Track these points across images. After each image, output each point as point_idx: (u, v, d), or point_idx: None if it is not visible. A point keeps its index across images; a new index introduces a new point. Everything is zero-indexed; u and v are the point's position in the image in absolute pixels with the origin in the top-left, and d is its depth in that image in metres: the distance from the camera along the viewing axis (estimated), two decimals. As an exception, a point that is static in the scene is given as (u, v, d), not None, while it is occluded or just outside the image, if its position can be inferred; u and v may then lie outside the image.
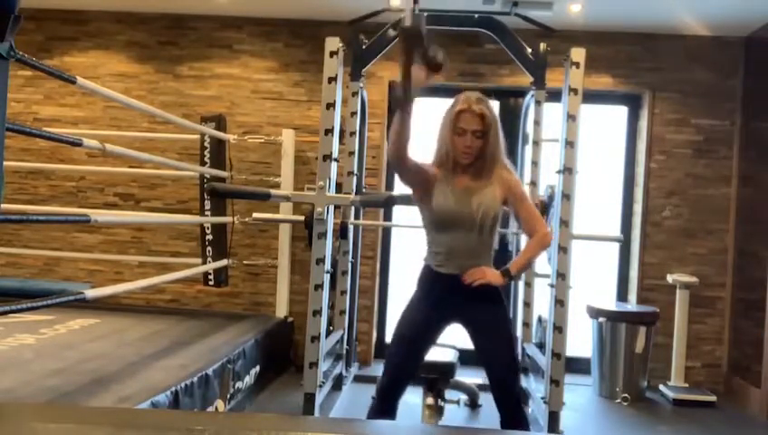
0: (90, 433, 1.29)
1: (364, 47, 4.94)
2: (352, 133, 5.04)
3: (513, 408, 2.97)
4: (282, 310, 5.75)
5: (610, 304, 5.69)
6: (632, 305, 5.74)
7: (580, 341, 5.47)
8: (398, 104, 2.76)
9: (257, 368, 4.75)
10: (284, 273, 5.77)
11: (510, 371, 3.01)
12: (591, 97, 5.17)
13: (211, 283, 5.64)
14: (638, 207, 5.88)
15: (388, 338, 5.87)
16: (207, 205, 5.64)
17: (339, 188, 4.74)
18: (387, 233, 6.06)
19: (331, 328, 4.97)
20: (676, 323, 5.47)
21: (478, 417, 4.63)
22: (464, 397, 4.65)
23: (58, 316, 4.73)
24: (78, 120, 5.97)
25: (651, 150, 5.81)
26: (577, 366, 5.55)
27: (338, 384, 4.99)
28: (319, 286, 4.15)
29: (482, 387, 4.62)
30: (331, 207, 4.30)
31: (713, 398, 5.27)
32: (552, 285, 4.21)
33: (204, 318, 5.37)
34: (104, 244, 5.98)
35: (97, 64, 5.98)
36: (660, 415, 5.10)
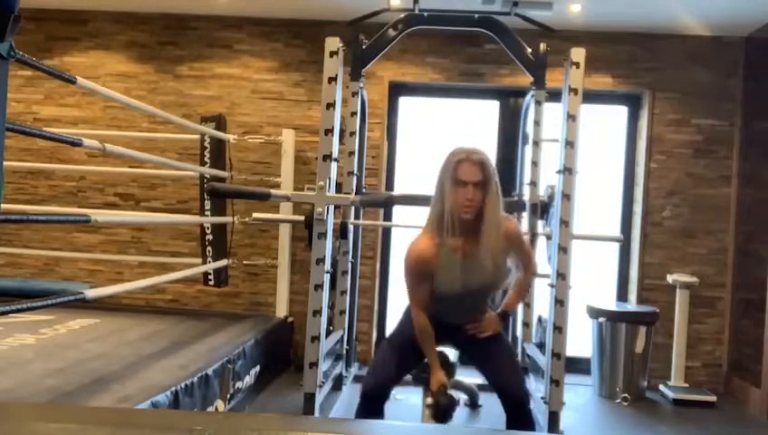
0: (90, 433, 1.28)
1: (364, 47, 4.94)
2: (352, 133, 5.04)
3: (519, 409, 2.99)
4: (282, 310, 5.75)
5: (610, 304, 5.69)
6: (632, 305, 5.74)
7: (580, 341, 5.47)
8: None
9: (257, 368, 4.75)
10: (284, 273, 5.77)
11: (513, 371, 3.04)
12: (591, 97, 5.17)
13: (211, 283, 5.64)
14: (638, 207, 5.88)
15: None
16: (207, 205, 5.64)
17: (339, 188, 4.74)
18: (387, 233, 6.06)
19: (331, 328, 4.97)
20: (676, 323, 5.47)
21: (478, 417, 4.63)
22: (464, 397, 4.65)
23: (58, 316, 4.73)
24: (78, 120, 5.97)
25: (651, 150, 5.81)
26: (577, 366, 5.55)
27: (338, 384, 4.98)
28: (319, 286, 4.15)
29: (482, 387, 4.62)
30: (331, 207, 4.30)
31: (713, 398, 5.27)
32: (552, 285, 4.21)
33: (204, 318, 5.37)
34: (104, 244, 5.98)
35: (97, 64, 5.98)
36: (660, 415, 5.10)
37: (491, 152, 4.61)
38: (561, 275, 4.12)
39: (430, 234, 2.91)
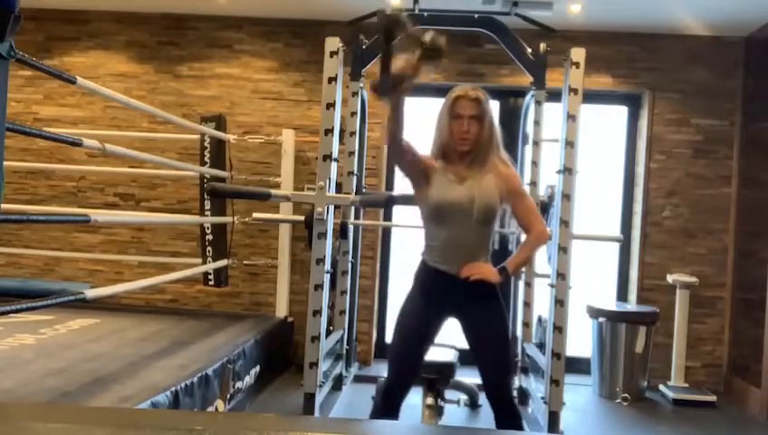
0: (90, 433, 1.28)
1: (364, 47, 4.94)
2: (352, 133, 5.04)
3: (505, 406, 2.98)
4: (282, 310, 5.75)
5: (610, 304, 5.69)
6: (632, 305, 5.74)
7: (580, 341, 5.47)
8: (376, 95, 2.80)
9: (257, 368, 4.75)
10: (284, 273, 5.77)
11: (502, 369, 3.02)
12: (591, 97, 5.18)
13: (211, 283, 5.64)
14: (638, 207, 5.88)
15: (389, 338, 5.88)
16: (207, 205, 5.64)
17: (339, 188, 4.74)
18: (387, 233, 6.06)
19: (331, 328, 4.97)
20: (676, 323, 5.47)
21: (478, 417, 4.63)
22: (464, 397, 4.64)
23: (58, 316, 4.73)
24: (78, 120, 5.98)
25: (651, 150, 5.81)
26: (577, 366, 5.55)
27: (338, 384, 4.99)
28: (319, 286, 4.15)
29: (482, 387, 4.62)
30: (331, 207, 4.30)
31: (713, 398, 5.27)
32: (552, 285, 4.21)
33: (204, 318, 5.37)
34: (104, 244, 5.98)
35: (97, 64, 5.98)
36: (660, 415, 5.09)
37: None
38: (561, 275, 4.12)
39: (431, 157, 3.02)
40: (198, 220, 5.68)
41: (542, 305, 4.85)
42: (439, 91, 6.05)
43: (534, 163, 5.06)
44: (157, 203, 5.97)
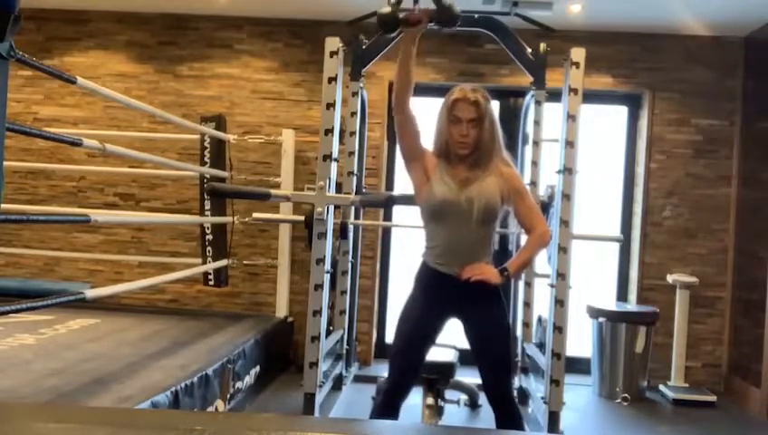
0: (90, 433, 1.28)
1: (364, 47, 4.94)
2: (352, 133, 5.04)
3: (506, 406, 2.97)
4: (282, 310, 5.75)
5: (610, 304, 5.69)
6: (632, 305, 5.74)
7: (580, 341, 5.47)
8: (381, 27, 2.85)
9: (257, 368, 4.75)
10: (284, 273, 5.77)
11: (502, 369, 3.00)
12: (591, 97, 5.18)
13: (211, 283, 5.64)
14: (638, 207, 5.88)
15: (389, 338, 5.89)
16: (207, 205, 5.64)
17: (339, 188, 4.74)
18: (387, 233, 6.06)
19: (331, 328, 4.97)
20: (676, 323, 5.47)
21: (478, 417, 4.63)
22: (464, 397, 4.64)
23: (58, 316, 4.73)
24: (78, 120, 5.98)
25: (651, 150, 5.81)
26: (577, 366, 5.55)
27: (338, 384, 4.99)
28: (319, 286, 4.15)
29: (482, 387, 4.62)
30: (331, 207, 4.30)
31: (713, 398, 5.27)
32: (552, 285, 4.21)
33: (204, 318, 5.37)
34: (104, 244, 5.98)
35: (97, 64, 5.98)
36: (660, 415, 5.10)
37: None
38: (561, 275, 4.12)
39: (435, 154, 3.01)
40: (198, 220, 5.68)
41: (542, 305, 4.85)
42: (439, 91, 6.05)
43: (534, 163, 5.06)
44: (157, 203, 5.97)
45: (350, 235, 5.15)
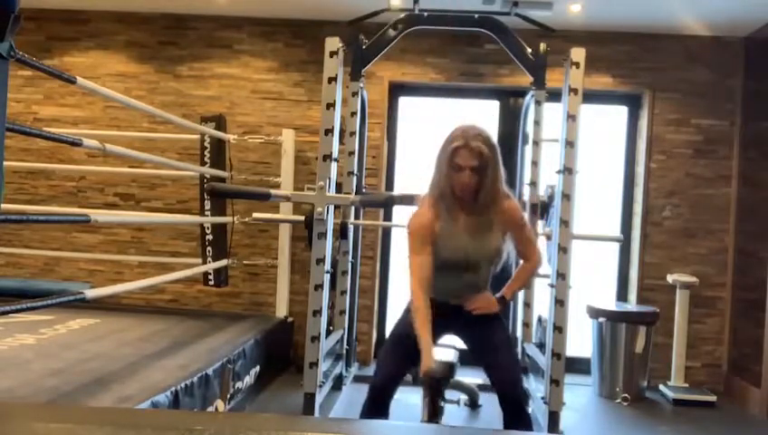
0: (90, 433, 1.28)
1: (364, 47, 4.94)
2: (352, 133, 5.04)
3: (516, 408, 2.98)
4: (282, 310, 5.75)
5: (610, 304, 5.68)
6: (632, 305, 5.74)
7: (580, 341, 5.47)
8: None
9: (257, 368, 4.75)
10: (284, 273, 5.77)
11: (512, 370, 3.03)
12: (591, 97, 5.18)
13: (211, 283, 5.64)
14: (638, 207, 5.88)
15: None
16: (207, 205, 5.64)
17: (339, 188, 4.74)
18: (387, 233, 6.06)
19: (331, 328, 4.97)
20: (676, 323, 5.47)
21: (478, 417, 4.63)
22: (464, 397, 4.64)
23: (58, 316, 4.73)
24: (78, 120, 5.97)
25: (651, 150, 5.81)
26: (577, 366, 5.55)
27: (338, 384, 4.99)
28: (319, 286, 4.15)
29: (482, 387, 4.62)
30: (331, 207, 4.30)
31: (713, 398, 5.27)
32: (552, 285, 4.21)
33: (204, 318, 5.37)
34: (104, 244, 5.98)
35: (97, 64, 5.98)
36: (660, 415, 5.10)
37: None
38: (561, 275, 4.12)
39: (432, 201, 2.97)
40: (198, 220, 5.68)
41: (542, 305, 4.86)
42: (439, 91, 6.10)
43: (534, 163, 5.06)
44: (157, 203, 5.97)
45: (350, 235, 5.15)
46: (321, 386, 4.22)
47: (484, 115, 5.98)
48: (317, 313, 4.14)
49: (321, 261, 4.16)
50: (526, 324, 5.17)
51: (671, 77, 5.77)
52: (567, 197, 4.13)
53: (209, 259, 5.61)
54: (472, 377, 4.61)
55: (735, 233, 5.71)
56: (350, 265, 5.17)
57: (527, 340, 5.12)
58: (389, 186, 6.01)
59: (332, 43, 4.26)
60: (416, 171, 5.93)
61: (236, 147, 5.80)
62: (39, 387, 3.17)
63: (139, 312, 5.54)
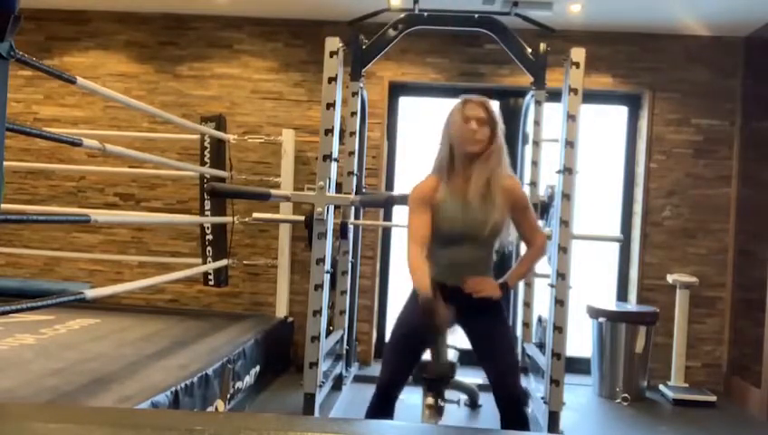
0: (90, 433, 1.28)
1: (364, 47, 4.94)
2: (352, 133, 5.04)
3: (513, 408, 2.97)
4: (282, 310, 5.75)
5: (610, 304, 5.69)
6: (632, 305, 5.74)
7: (580, 341, 5.47)
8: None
9: (257, 368, 4.75)
10: (284, 273, 5.77)
11: (510, 370, 3.01)
12: (591, 97, 5.17)
13: (211, 283, 5.64)
14: (638, 207, 5.88)
15: (389, 338, 5.88)
16: (207, 205, 5.64)
17: (339, 188, 4.74)
18: (387, 233, 6.06)
19: (331, 328, 4.97)
20: (677, 323, 5.47)
21: (478, 417, 4.63)
22: (464, 397, 4.65)
23: (58, 316, 4.73)
24: (78, 120, 5.97)
25: (651, 150, 5.81)
26: (577, 366, 5.55)
27: (338, 384, 4.99)
28: (319, 286, 4.15)
29: (482, 387, 4.62)
30: (331, 207, 4.30)
31: (713, 398, 5.27)
32: (552, 285, 4.21)
33: (204, 318, 5.37)
34: (104, 244, 5.98)
35: (97, 64, 5.98)
36: (660, 415, 5.10)
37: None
38: (561, 275, 4.12)
39: (434, 176, 2.99)
40: (198, 220, 5.68)
41: (542, 305, 4.86)
42: (439, 91, 6.10)
43: (534, 163, 5.06)
44: (157, 203, 5.97)
45: (350, 235, 5.15)
46: (321, 386, 4.22)
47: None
48: (317, 313, 4.14)
49: (321, 261, 4.16)
50: (526, 324, 5.17)
51: (671, 77, 5.77)
52: (567, 197, 4.13)
53: (209, 259, 5.61)
54: (472, 377, 4.61)
55: (735, 233, 5.71)
56: (350, 265, 5.17)
57: (527, 340, 5.12)
58: (389, 186, 6.01)
59: (332, 43, 4.26)
60: (416, 171, 5.94)
61: (236, 147, 5.80)
62: (39, 387, 3.17)
63: (139, 312, 5.54)
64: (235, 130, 5.81)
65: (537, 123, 5.01)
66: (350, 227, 5.11)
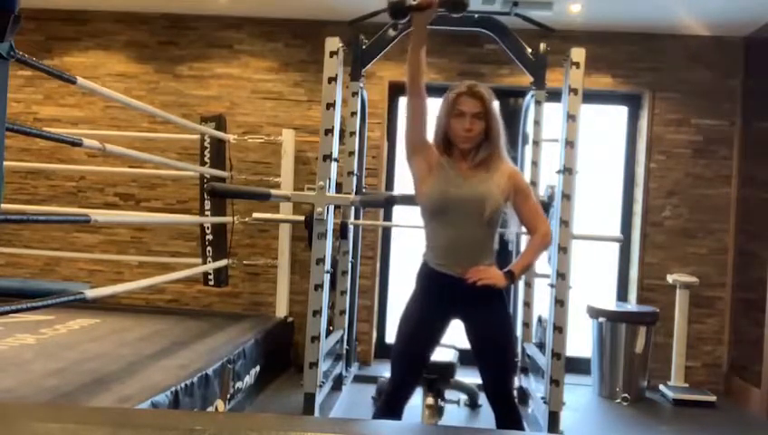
0: (90, 433, 1.28)
1: (364, 47, 4.94)
2: (352, 133, 5.04)
3: (506, 406, 2.95)
4: (282, 310, 5.75)
5: (610, 304, 5.69)
6: (632, 305, 5.74)
7: (580, 341, 5.47)
8: (392, 15, 2.81)
9: (257, 368, 4.75)
10: (284, 273, 5.77)
11: (503, 369, 2.98)
12: (591, 97, 5.17)
13: (211, 283, 5.64)
14: (638, 207, 5.88)
15: (389, 338, 5.90)
16: (207, 205, 5.64)
17: (339, 188, 4.74)
18: (387, 233, 6.06)
19: (331, 328, 4.97)
20: (677, 323, 5.47)
21: (478, 417, 4.63)
22: (464, 397, 4.65)
23: (58, 316, 4.73)
24: (78, 120, 5.97)
25: (651, 150, 5.81)
26: (577, 366, 5.55)
27: (338, 384, 4.99)
28: (319, 286, 4.15)
29: (482, 387, 4.62)
30: (331, 207, 4.30)
31: (713, 398, 5.27)
32: (552, 285, 4.21)
33: (204, 318, 5.37)
34: (104, 244, 5.98)
35: (97, 64, 5.98)
36: (660, 415, 5.10)
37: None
38: (561, 275, 4.12)
39: (436, 147, 2.98)
40: (198, 220, 5.68)
41: (542, 305, 4.86)
42: (440, 91, 6.07)
43: (534, 163, 5.06)
44: (157, 203, 5.97)
45: (350, 235, 5.15)
46: (321, 386, 4.22)
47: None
48: (317, 313, 4.14)
49: (321, 261, 4.16)
50: (526, 324, 5.17)
51: (671, 77, 5.77)
52: (567, 197, 4.13)
53: (209, 259, 5.61)
54: (472, 377, 4.60)
55: (735, 233, 5.71)
56: (350, 265, 5.17)
57: (527, 340, 5.12)
58: (389, 186, 6.01)
59: (332, 43, 4.26)
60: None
61: (236, 147, 5.80)
62: (39, 387, 3.17)
63: (139, 312, 5.54)
64: (235, 130, 5.81)
65: (537, 123, 5.01)
66: (350, 227, 5.11)
